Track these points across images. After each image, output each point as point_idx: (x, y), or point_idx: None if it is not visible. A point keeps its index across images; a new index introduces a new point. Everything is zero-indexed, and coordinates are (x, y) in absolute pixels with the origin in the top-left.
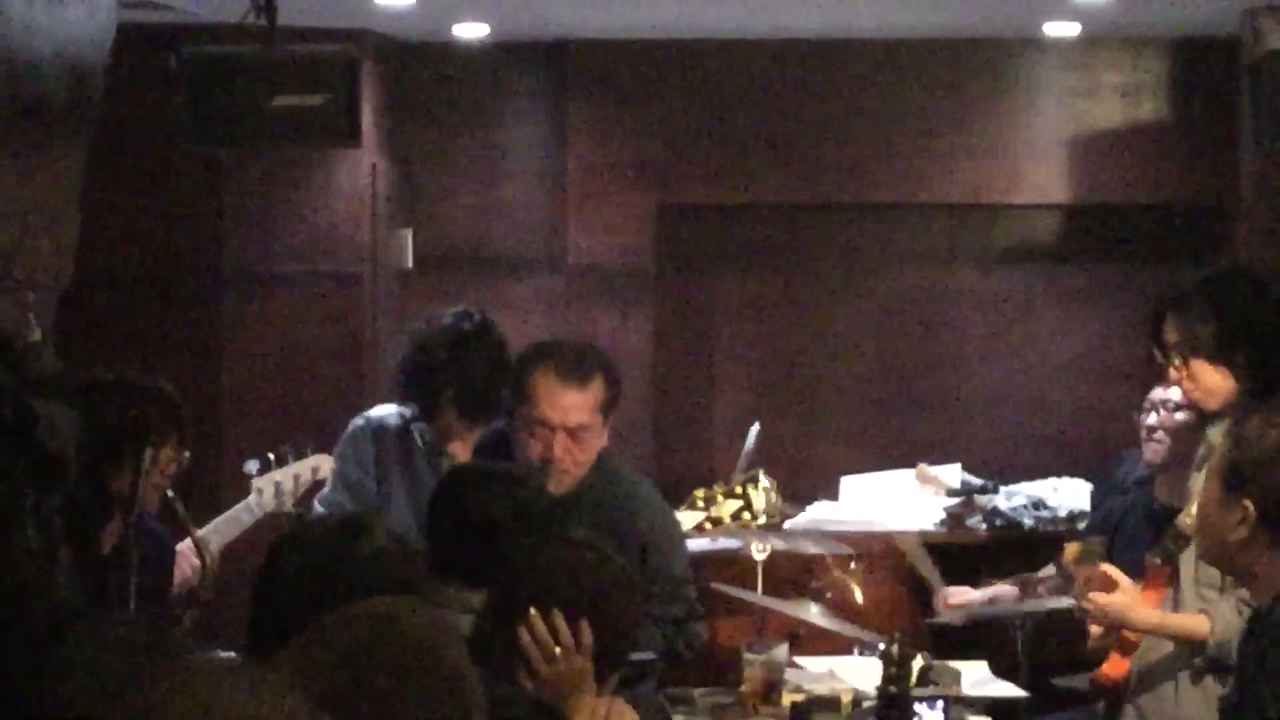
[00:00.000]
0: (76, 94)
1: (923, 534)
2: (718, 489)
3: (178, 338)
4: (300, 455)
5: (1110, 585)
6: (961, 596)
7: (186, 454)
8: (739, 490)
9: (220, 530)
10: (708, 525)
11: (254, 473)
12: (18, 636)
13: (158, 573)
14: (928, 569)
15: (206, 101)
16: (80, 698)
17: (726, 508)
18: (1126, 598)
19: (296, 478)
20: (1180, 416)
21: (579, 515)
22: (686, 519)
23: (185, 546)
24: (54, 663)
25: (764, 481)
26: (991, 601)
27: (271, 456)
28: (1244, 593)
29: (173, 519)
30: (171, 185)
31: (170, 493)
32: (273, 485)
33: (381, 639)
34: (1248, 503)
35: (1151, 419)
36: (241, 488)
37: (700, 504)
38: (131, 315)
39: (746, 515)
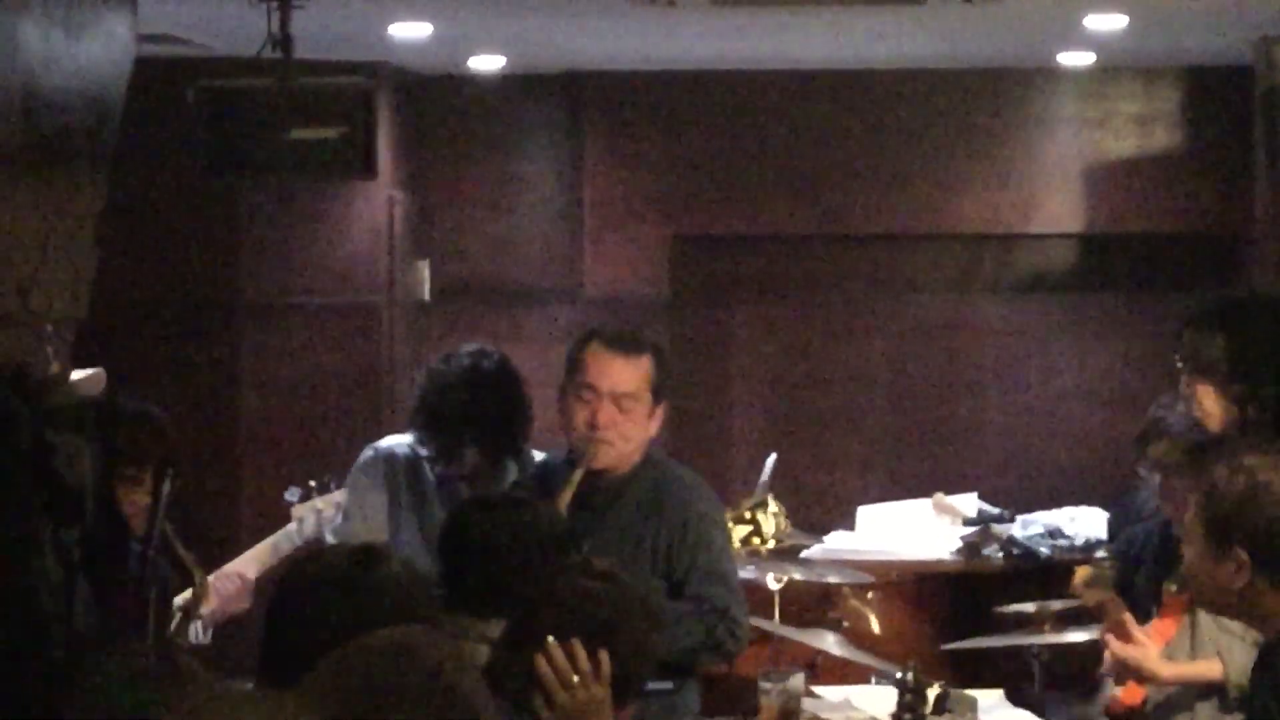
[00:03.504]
0: (94, 127)
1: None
2: (727, 514)
3: (196, 368)
4: (341, 483)
5: (1126, 634)
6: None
7: (175, 478)
8: (748, 515)
9: (260, 558)
10: None
11: (295, 500)
12: (36, 666)
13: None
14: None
15: (223, 134)
16: None
17: (735, 533)
18: (1143, 649)
19: (338, 505)
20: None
21: (625, 498)
22: None
23: (228, 570)
24: (70, 692)
25: (773, 506)
26: None
27: (312, 484)
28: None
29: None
30: (189, 217)
31: (166, 523)
32: (314, 513)
33: (398, 668)
34: (1239, 551)
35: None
36: (260, 513)
37: None
38: (150, 346)
39: (756, 540)
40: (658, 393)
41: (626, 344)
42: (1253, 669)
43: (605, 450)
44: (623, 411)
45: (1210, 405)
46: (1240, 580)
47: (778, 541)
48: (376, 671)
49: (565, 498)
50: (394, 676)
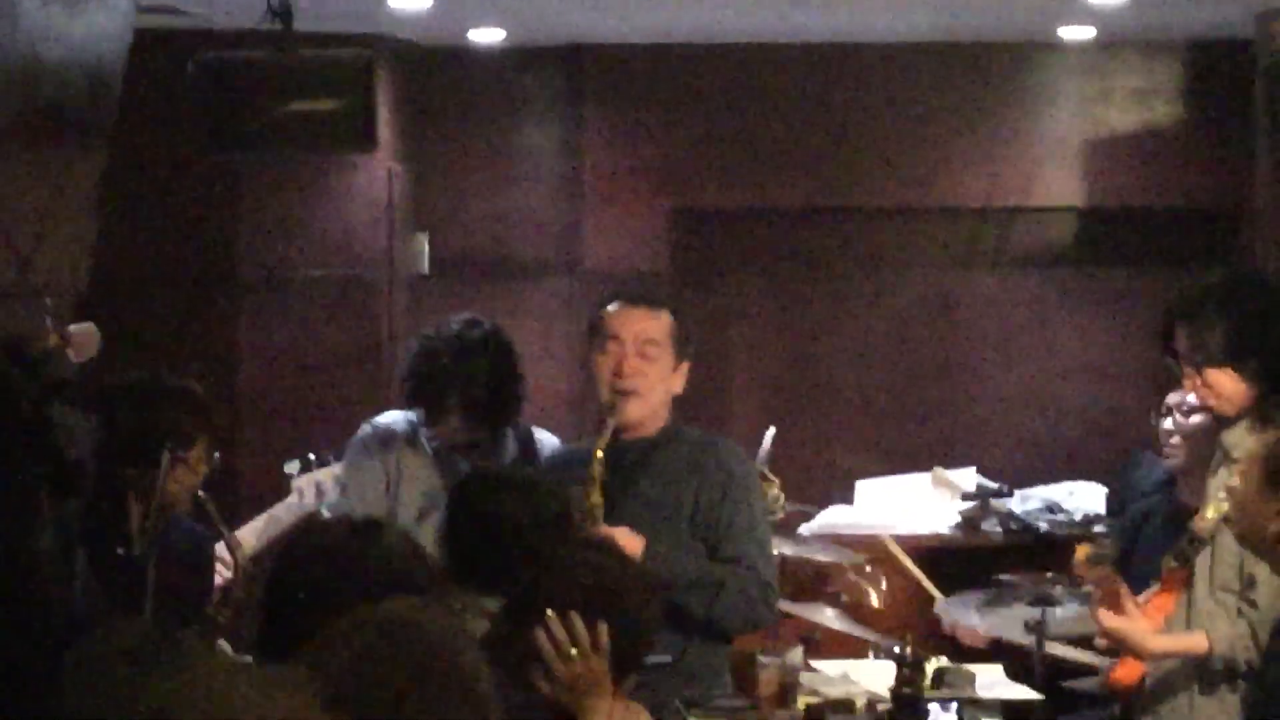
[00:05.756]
0: (93, 99)
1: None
2: None
3: (194, 342)
4: (340, 456)
5: (1119, 606)
6: (971, 637)
7: (217, 455)
8: None
9: (260, 531)
10: None
11: (294, 473)
12: (34, 641)
13: (196, 573)
14: (918, 573)
15: (222, 107)
16: (91, 701)
17: None
18: (1134, 623)
19: (337, 478)
20: (1196, 420)
21: (655, 459)
22: None
23: (219, 548)
24: (66, 667)
25: (770, 479)
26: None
27: (312, 457)
28: (1257, 597)
29: (204, 520)
30: (188, 190)
31: (202, 494)
32: (313, 485)
33: (396, 642)
34: None
35: (1167, 424)
36: (259, 489)
37: None
38: (148, 320)
39: None
40: (681, 349)
41: (646, 297)
42: (1270, 637)
43: (633, 403)
44: (647, 359)
45: (1227, 389)
46: (1277, 525)
47: (772, 514)
48: (374, 645)
49: (598, 455)
50: (392, 650)
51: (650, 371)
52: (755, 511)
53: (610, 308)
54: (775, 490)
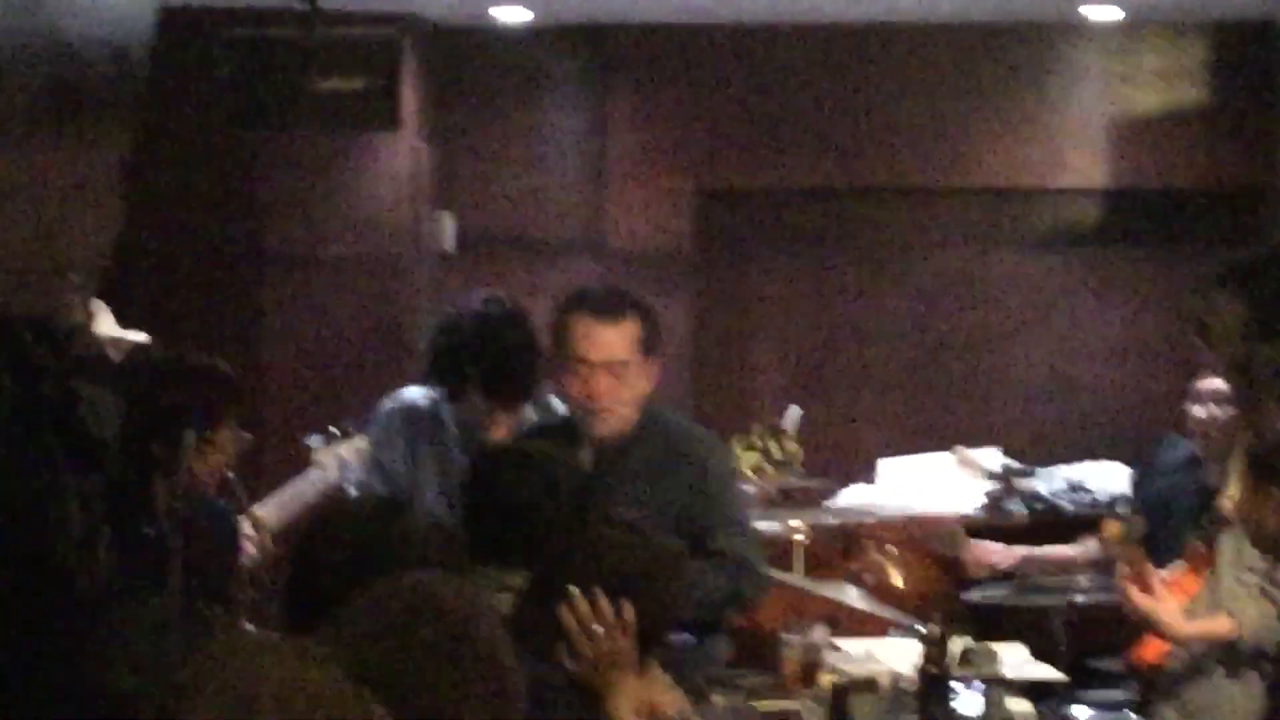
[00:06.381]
0: (118, 76)
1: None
2: (736, 443)
3: (219, 320)
4: (362, 428)
5: (1147, 586)
6: (990, 556)
7: (248, 435)
8: (758, 443)
9: (283, 505)
10: None
11: (317, 446)
12: (59, 616)
13: (222, 552)
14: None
15: (248, 85)
16: (117, 676)
17: (745, 459)
18: (1164, 604)
19: (359, 451)
20: (1229, 409)
21: (632, 459)
22: None
23: (248, 528)
24: (92, 642)
25: (789, 432)
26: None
27: (334, 430)
28: None
29: (232, 499)
30: (213, 168)
31: (230, 474)
32: (336, 459)
33: (416, 613)
34: (1275, 490)
35: (1199, 412)
36: (284, 467)
37: None
38: (173, 297)
39: (767, 466)
40: (649, 350)
41: (610, 309)
42: None
43: (605, 419)
44: (616, 377)
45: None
46: (1276, 521)
47: (784, 465)
48: (394, 616)
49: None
50: (410, 623)
51: (621, 389)
52: (734, 502)
53: (574, 321)
54: (794, 446)
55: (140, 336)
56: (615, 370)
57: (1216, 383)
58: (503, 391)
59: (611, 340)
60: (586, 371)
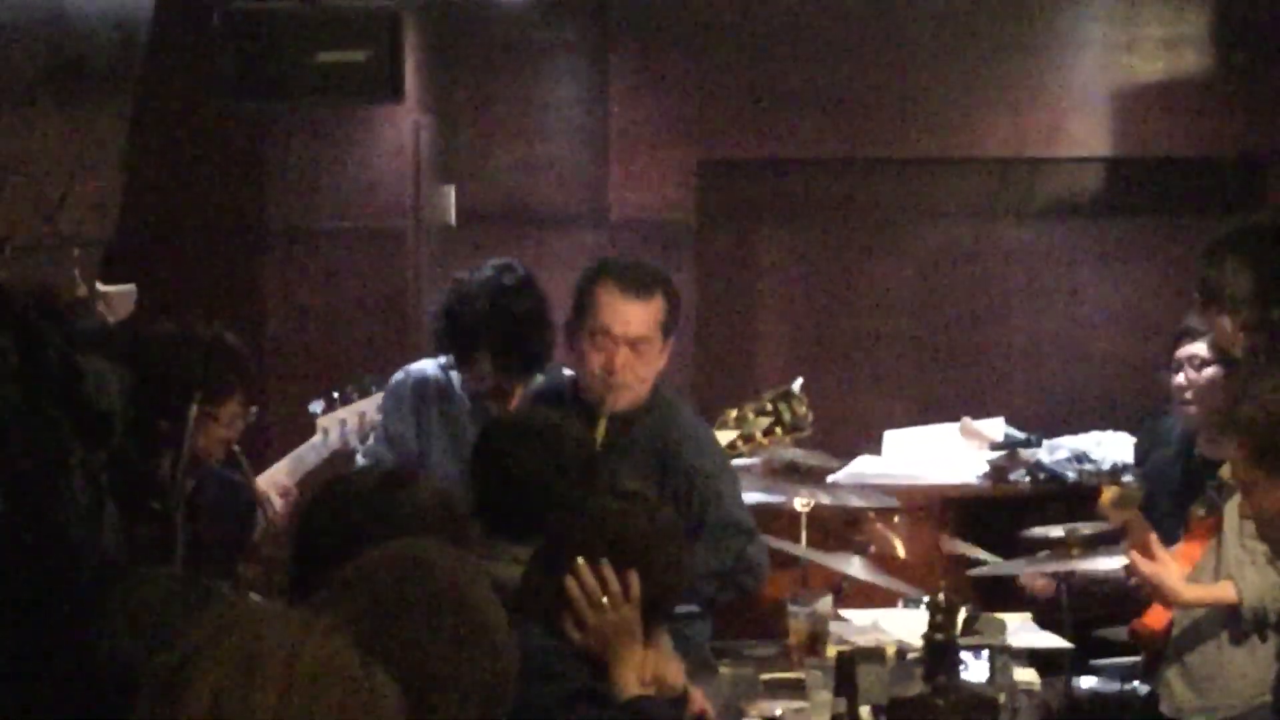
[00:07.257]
0: (120, 49)
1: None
2: (748, 407)
3: (221, 294)
4: (365, 393)
5: (1151, 553)
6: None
7: (254, 408)
8: (769, 407)
9: (287, 471)
10: (740, 444)
11: (319, 412)
12: (64, 591)
13: (231, 525)
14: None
15: (249, 58)
16: (122, 649)
17: (758, 424)
18: (1167, 569)
19: (361, 415)
20: (1208, 373)
21: (638, 434)
22: (720, 439)
23: (266, 484)
24: (97, 616)
25: (798, 395)
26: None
27: (335, 395)
28: None
29: (238, 472)
30: (214, 141)
31: (236, 447)
32: (338, 424)
33: (409, 580)
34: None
35: (1179, 379)
36: (287, 440)
37: (732, 423)
38: (174, 271)
39: (779, 430)
40: (667, 330)
41: (640, 285)
42: None
43: (621, 392)
44: (637, 354)
45: (1234, 333)
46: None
47: (798, 430)
48: (387, 584)
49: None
50: (404, 588)
51: (639, 365)
52: (726, 500)
53: (601, 292)
54: (804, 409)
55: (126, 288)
56: (637, 345)
57: (1197, 348)
58: (513, 361)
59: (639, 316)
60: (608, 345)
